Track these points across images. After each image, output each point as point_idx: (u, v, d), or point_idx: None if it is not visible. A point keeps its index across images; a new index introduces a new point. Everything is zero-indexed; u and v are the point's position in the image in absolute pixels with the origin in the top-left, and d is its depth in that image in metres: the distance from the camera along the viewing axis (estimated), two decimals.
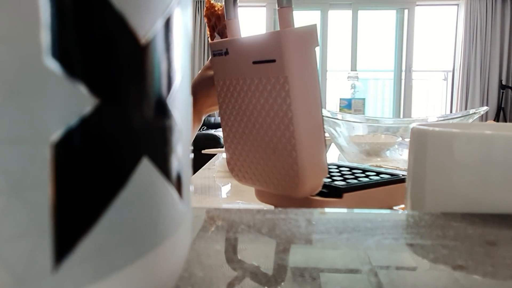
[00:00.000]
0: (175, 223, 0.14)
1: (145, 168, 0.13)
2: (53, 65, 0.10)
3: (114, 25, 0.11)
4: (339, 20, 4.51)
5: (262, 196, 0.50)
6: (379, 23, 4.61)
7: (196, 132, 0.72)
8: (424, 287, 0.18)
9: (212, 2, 0.74)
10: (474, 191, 0.29)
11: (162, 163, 0.13)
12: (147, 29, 0.12)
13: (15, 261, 0.10)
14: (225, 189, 0.74)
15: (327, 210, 0.28)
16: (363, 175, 0.50)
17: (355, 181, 0.47)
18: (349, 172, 0.52)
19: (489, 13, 4.41)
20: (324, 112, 0.81)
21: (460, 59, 4.50)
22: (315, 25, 0.40)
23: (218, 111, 0.73)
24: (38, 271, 0.10)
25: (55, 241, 0.10)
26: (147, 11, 0.12)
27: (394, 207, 0.49)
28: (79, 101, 0.11)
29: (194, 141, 0.61)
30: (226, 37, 0.73)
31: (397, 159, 0.80)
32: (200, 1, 4.45)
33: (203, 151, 1.05)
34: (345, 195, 0.45)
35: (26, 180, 0.10)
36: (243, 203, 0.60)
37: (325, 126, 0.42)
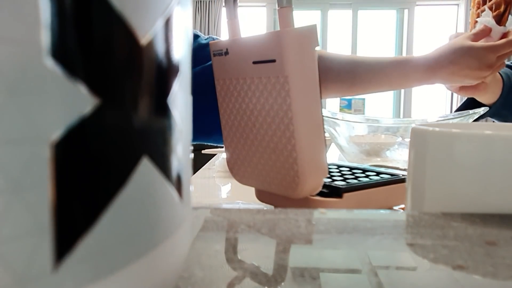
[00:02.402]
0: (175, 223, 0.14)
1: (145, 168, 0.13)
2: (53, 65, 0.10)
3: (114, 25, 0.11)
4: (339, 20, 4.51)
5: (262, 196, 0.50)
6: (379, 23, 4.60)
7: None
8: (424, 287, 0.18)
9: None
10: (474, 191, 0.29)
11: (162, 163, 0.13)
12: (147, 29, 0.12)
13: (15, 261, 0.10)
14: (225, 189, 0.74)
15: (327, 210, 0.28)
16: (363, 175, 0.50)
17: (355, 181, 0.47)
18: (349, 172, 0.52)
19: None
20: (324, 112, 0.81)
21: None
22: (315, 25, 0.40)
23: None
24: (38, 271, 0.10)
25: (55, 241, 0.10)
26: (147, 11, 0.12)
27: (394, 207, 0.49)
28: (79, 101, 0.11)
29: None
30: (501, 17, 0.71)
31: (397, 159, 0.80)
32: (200, 1, 4.45)
33: (203, 151, 1.05)
34: (345, 195, 0.45)
35: (26, 180, 0.10)
36: (243, 203, 0.60)
37: (325, 126, 0.42)
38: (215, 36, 0.66)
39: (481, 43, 0.70)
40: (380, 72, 0.67)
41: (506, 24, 0.73)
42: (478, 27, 0.74)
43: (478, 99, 0.87)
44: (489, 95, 0.84)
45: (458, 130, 0.30)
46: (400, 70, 0.67)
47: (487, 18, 0.73)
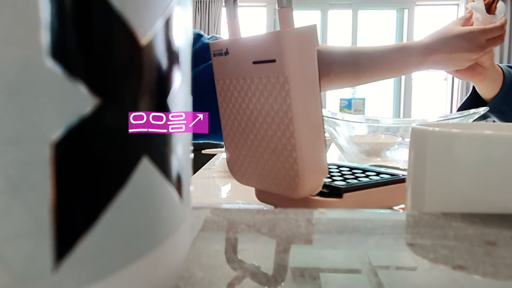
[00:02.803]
0: (175, 223, 0.14)
1: (145, 168, 0.13)
2: (53, 65, 0.10)
3: (114, 25, 0.11)
4: (339, 20, 4.51)
5: (262, 196, 0.50)
6: (379, 23, 4.60)
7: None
8: (424, 287, 0.18)
9: None
10: (474, 191, 0.29)
11: (162, 163, 0.13)
12: (147, 29, 0.12)
13: (15, 261, 0.10)
14: (225, 189, 0.74)
15: (327, 210, 0.28)
16: (363, 175, 0.50)
17: (355, 181, 0.47)
18: (349, 172, 0.52)
19: None
20: (324, 112, 0.81)
21: None
22: (315, 25, 0.40)
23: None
24: (38, 271, 0.10)
25: (55, 241, 0.10)
26: (147, 11, 0.12)
27: (394, 207, 0.49)
28: (79, 101, 0.11)
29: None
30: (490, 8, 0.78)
31: (397, 159, 0.80)
32: (200, 1, 4.44)
33: (203, 151, 1.05)
34: (345, 195, 0.45)
35: (26, 180, 0.10)
36: (243, 203, 0.60)
37: (325, 126, 0.42)
38: (218, 36, 0.66)
39: (471, 26, 0.75)
40: (380, 61, 0.70)
41: (496, 13, 0.77)
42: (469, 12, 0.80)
43: (478, 87, 0.90)
44: (489, 85, 0.87)
45: (458, 130, 0.30)
46: (398, 57, 0.71)
47: (477, 5, 0.78)
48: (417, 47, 0.71)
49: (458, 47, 0.72)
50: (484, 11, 0.77)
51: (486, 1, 0.77)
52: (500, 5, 0.77)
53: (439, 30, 0.74)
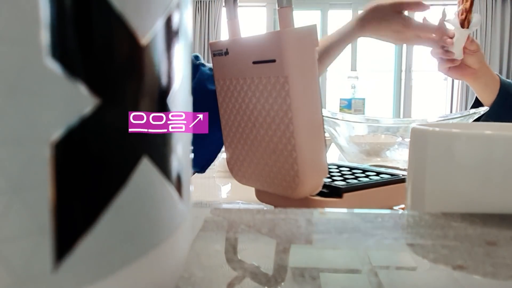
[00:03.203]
0: (175, 223, 0.14)
1: (145, 168, 0.13)
2: (53, 65, 0.10)
3: (114, 25, 0.11)
4: (339, 20, 4.51)
5: (262, 196, 0.50)
6: None
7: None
8: (424, 287, 0.18)
9: None
10: (474, 191, 0.29)
11: (162, 163, 0.13)
12: (147, 29, 0.12)
13: (15, 261, 0.10)
14: (225, 189, 0.74)
15: (327, 210, 0.28)
16: (363, 175, 0.50)
17: (355, 181, 0.47)
18: (349, 172, 0.52)
19: (489, 13, 4.40)
20: (324, 112, 0.81)
21: None
22: (315, 25, 0.40)
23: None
24: (38, 271, 0.10)
25: (55, 241, 0.10)
26: (147, 11, 0.12)
27: (394, 207, 0.49)
28: (79, 101, 0.11)
29: None
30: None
31: (397, 159, 0.80)
32: (200, 1, 4.44)
33: None
34: (345, 195, 0.45)
35: (26, 180, 0.10)
36: (243, 203, 0.59)
37: (325, 126, 0.42)
38: (198, 61, 0.66)
39: (403, 14, 0.88)
40: (330, 51, 0.82)
41: (470, 26, 0.87)
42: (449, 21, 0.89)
43: (474, 90, 0.97)
44: (482, 86, 0.94)
45: (458, 130, 0.30)
46: (341, 46, 0.83)
47: (454, 21, 0.88)
48: (352, 31, 0.83)
49: (384, 31, 0.85)
50: (459, 25, 0.85)
51: (460, 18, 0.86)
52: (474, 18, 0.85)
53: (374, 7, 0.84)
